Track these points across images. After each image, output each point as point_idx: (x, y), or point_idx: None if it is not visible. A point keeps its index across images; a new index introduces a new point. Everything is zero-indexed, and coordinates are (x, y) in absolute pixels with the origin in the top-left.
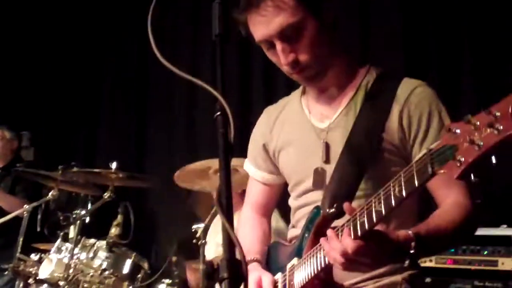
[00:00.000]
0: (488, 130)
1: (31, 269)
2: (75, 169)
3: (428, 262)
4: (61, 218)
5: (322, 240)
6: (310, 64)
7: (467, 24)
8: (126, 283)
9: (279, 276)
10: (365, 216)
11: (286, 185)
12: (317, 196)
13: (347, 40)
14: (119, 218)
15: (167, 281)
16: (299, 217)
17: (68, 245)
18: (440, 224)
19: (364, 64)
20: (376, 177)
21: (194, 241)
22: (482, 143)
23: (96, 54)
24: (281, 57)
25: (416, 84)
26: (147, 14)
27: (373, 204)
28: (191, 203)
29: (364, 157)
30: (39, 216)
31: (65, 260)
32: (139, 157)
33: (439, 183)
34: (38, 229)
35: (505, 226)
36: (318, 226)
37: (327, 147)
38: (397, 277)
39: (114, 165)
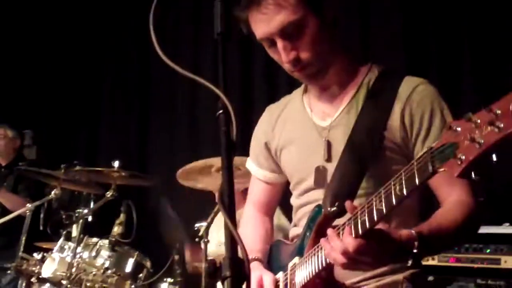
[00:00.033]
0: (489, 128)
1: (33, 268)
2: (77, 167)
3: (431, 260)
4: (64, 216)
5: (322, 241)
6: (311, 62)
7: (467, 24)
8: (128, 282)
9: (280, 275)
10: (366, 214)
11: (288, 183)
12: (318, 195)
13: (348, 39)
14: (122, 216)
15: (170, 280)
16: (301, 216)
17: (71, 244)
18: (442, 222)
19: (365, 62)
20: (377, 175)
21: (197, 239)
22: (483, 141)
23: (98, 53)
24: (282, 55)
25: (418, 82)
26: (148, 13)
27: (374, 203)
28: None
29: (365, 155)
30: (41, 215)
31: (68, 259)
32: (142, 155)
33: (441, 181)
34: (41, 228)
35: (507, 224)
36: (320, 225)
37: (328, 145)
38: (399, 276)
39: (116, 163)
